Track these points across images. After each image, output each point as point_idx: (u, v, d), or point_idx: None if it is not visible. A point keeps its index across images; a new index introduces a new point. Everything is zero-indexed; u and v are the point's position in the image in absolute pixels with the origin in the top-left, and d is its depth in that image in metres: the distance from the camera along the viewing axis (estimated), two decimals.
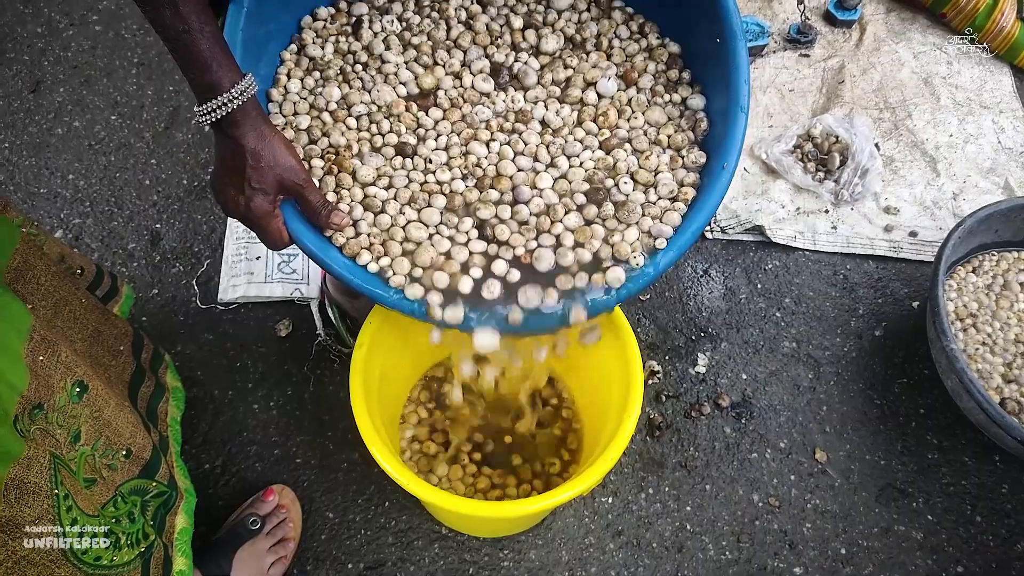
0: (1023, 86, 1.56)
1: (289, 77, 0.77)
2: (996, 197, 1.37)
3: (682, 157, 0.74)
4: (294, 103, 0.76)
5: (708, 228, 1.31)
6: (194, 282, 1.21)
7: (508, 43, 0.80)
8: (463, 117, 0.77)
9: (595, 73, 0.78)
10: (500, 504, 0.76)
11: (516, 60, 0.79)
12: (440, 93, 0.78)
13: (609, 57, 0.80)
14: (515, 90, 0.78)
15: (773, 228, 1.30)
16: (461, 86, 0.78)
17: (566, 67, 0.79)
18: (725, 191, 0.70)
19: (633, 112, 0.77)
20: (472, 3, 0.83)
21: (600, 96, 0.78)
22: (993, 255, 1.24)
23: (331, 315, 1.15)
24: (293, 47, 0.79)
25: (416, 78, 0.78)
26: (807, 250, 1.31)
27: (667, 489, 1.07)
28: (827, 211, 1.34)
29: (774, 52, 1.56)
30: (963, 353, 1.12)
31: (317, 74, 0.78)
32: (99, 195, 1.30)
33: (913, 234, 1.32)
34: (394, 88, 0.77)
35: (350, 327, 1.14)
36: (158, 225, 1.27)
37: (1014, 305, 1.18)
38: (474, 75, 0.79)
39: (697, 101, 0.77)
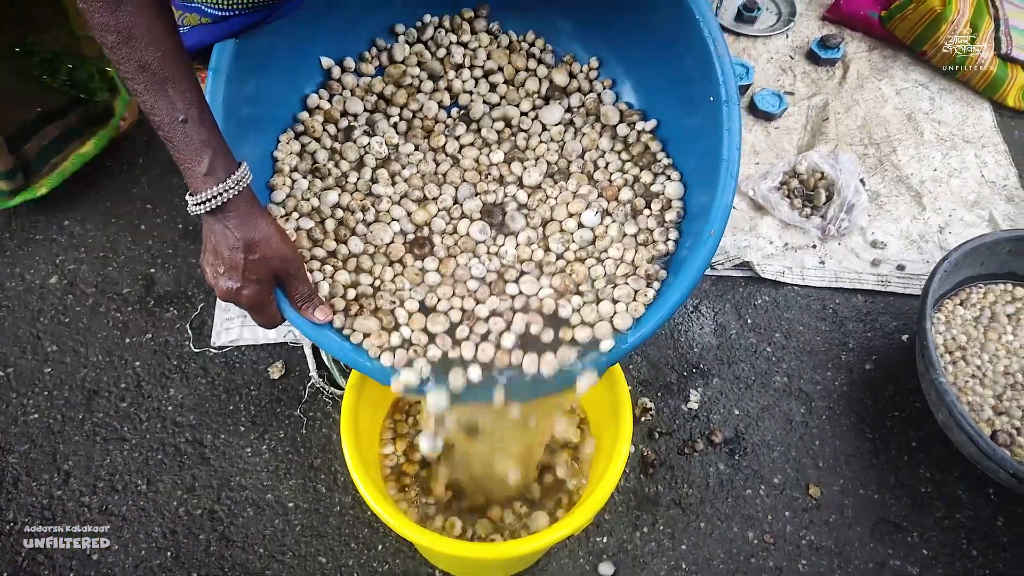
0: (1003, 121, 1.59)
1: (291, 170, 0.80)
2: (982, 230, 1.39)
3: (648, 277, 0.75)
4: (296, 200, 0.77)
5: None
6: (188, 326, 1.22)
7: (496, 176, 0.82)
8: (454, 272, 0.77)
9: (578, 205, 0.79)
10: (492, 545, 0.76)
11: (504, 204, 0.81)
12: (436, 240, 0.79)
13: (592, 178, 0.82)
14: (504, 236, 0.79)
15: (762, 264, 1.32)
16: (455, 231, 0.80)
17: (547, 198, 0.81)
18: (710, 257, 0.70)
19: (606, 249, 0.79)
20: (457, 123, 0.86)
21: (582, 226, 0.79)
22: (980, 287, 1.25)
23: (324, 357, 1.16)
24: (292, 136, 0.82)
25: (409, 215, 0.80)
26: (796, 285, 1.32)
27: (662, 527, 1.07)
28: (815, 246, 1.35)
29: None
30: (953, 386, 1.12)
31: (317, 180, 0.80)
32: (94, 240, 1.31)
33: (900, 268, 1.33)
34: (388, 224, 0.79)
35: (343, 369, 1.15)
36: (152, 270, 1.28)
37: (1002, 337, 1.19)
38: (467, 216, 0.80)
39: (673, 189, 0.79)
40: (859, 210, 1.34)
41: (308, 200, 0.78)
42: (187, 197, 0.65)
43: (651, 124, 0.83)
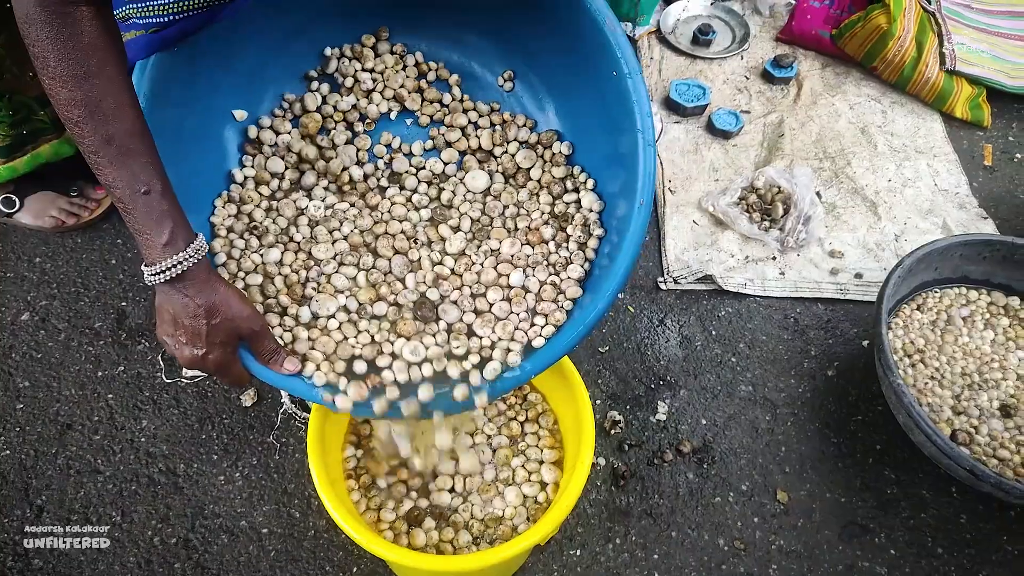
0: (953, 131, 1.65)
1: (229, 231, 0.82)
2: (936, 236, 1.43)
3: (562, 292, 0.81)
4: (236, 261, 0.80)
5: (662, 279, 1.36)
6: (160, 357, 1.23)
7: (424, 240, 0.86)
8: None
9: (505, 267, 0.83)
10: (460, 557, 0.77)
11: (440, 301, 0.82)
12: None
13: (512, 230, 0.86)
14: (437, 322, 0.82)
15: (724, 276, 1.35)
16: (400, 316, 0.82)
17: (472, 264, 0.84)
18: (643, 230, 0.75)
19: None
20: (381, 178, 0.90)
21: (511, 286, 0.82)
22: (936, 292, 1.29)
23: None
24: (226, 200, 0.84)
25: (352, 291, 0.82)
26: (758, 296, 1.35)
27: (634, 538, 1.08)
28: (774, 258, 1.39)
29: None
30: (912, 388, 1.15)
31: (255, 238, 0.83)
32: (66, 276, 1.32)
33: (859, 276, 1.37)
34: (333, 295, 0.81)
35: None
36: (124, 303, 1.29)
37: (959, 339, 1.22)
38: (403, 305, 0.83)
39: (588, 200, 0.84)
40: (816, 222, 1.38)
41: (249, 256, 0.80)
42: (143, 268, 0.66)
43: (566, 146, 0.88)
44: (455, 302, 0.81)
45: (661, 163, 1.53)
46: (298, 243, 0.83)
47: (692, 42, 1.78)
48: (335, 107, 0.89)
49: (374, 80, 0.90)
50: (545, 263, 0.83)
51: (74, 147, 1.31)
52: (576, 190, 0.87)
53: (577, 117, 0.88)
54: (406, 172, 0.91)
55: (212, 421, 1.16)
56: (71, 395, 1.18)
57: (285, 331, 0.76)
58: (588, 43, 0.76)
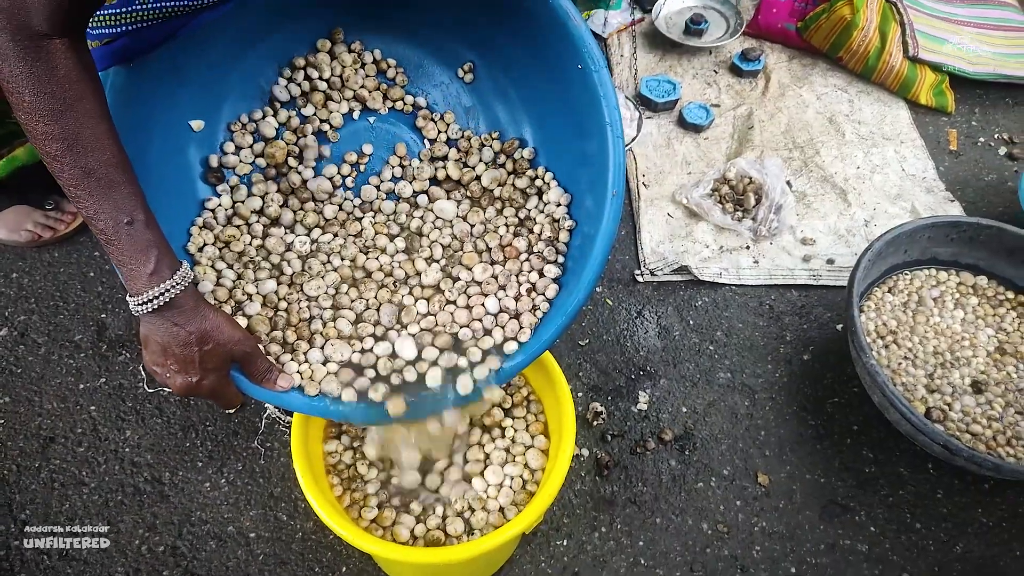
0: (918, 117, 1.68)
1: (214, 265, 0.82)
2: (906, 220, 1.46)
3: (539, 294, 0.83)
4: (227, 290, 0.80)
5: (639, 272, 1.37)
6: (141, 368, 1.23)
7: (401, 277, 0.86)
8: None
9: (477, 298, 0.84)
10: (444, 549, 0.78)
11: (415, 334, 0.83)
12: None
13: (484, 252, 0.87)
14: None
15: (699, 267, 1.37)
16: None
17: (444, 305, 0.84)
18: (617, 218, 0.76)
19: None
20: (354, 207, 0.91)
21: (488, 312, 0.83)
22: (906, 274, 1.31)
23: None
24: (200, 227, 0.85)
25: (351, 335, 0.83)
26: (733, 285, 1.37)
27: (619, 526, 1.10)
28: (748, 247, 1.41)
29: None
30: (886, 368, 1.18)
31: (249, 270, 0.84)
32: (44, 290, 1.32)
33: (831, 261, 1.40)
34: (335, 341, 0.82)
35: None
36: (103, 315, 1.29)
37: (930, 319, 1.25)
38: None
39: (555, 194, 0.86)
40: (787, 210, 1.41)
41: (242, 287, 0.81)
42: (128, 299, 0.65)
43: (528, 151, 0.90)
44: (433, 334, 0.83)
45: (635, 158, 1.55)
46: (290, 276, 0.84)
47: (684, 32, 1.79)
48: (295, 130, 0.90)
49: (331, 86, 0.91)
50: (519, 275, 0.84)
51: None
52: (539, 193, 0.88)
53: (543, 113, 0.89)
54: (376, 199, 0.92)
55: (196, 429, 1.16)
56: (53, 408, 1.18)
57: (299, 365, 0.78)
58: (551, 38, 0.77)
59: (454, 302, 0.84)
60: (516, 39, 0.84)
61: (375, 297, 0.84)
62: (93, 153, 0.60)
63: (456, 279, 0.85)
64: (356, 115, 0.93)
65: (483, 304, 0.82)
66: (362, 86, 0.92)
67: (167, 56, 0.76)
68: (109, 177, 0.61)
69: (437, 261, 0.88)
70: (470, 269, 0.86)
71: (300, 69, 0.90)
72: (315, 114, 0.91)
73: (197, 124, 0.84)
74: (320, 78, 0.90)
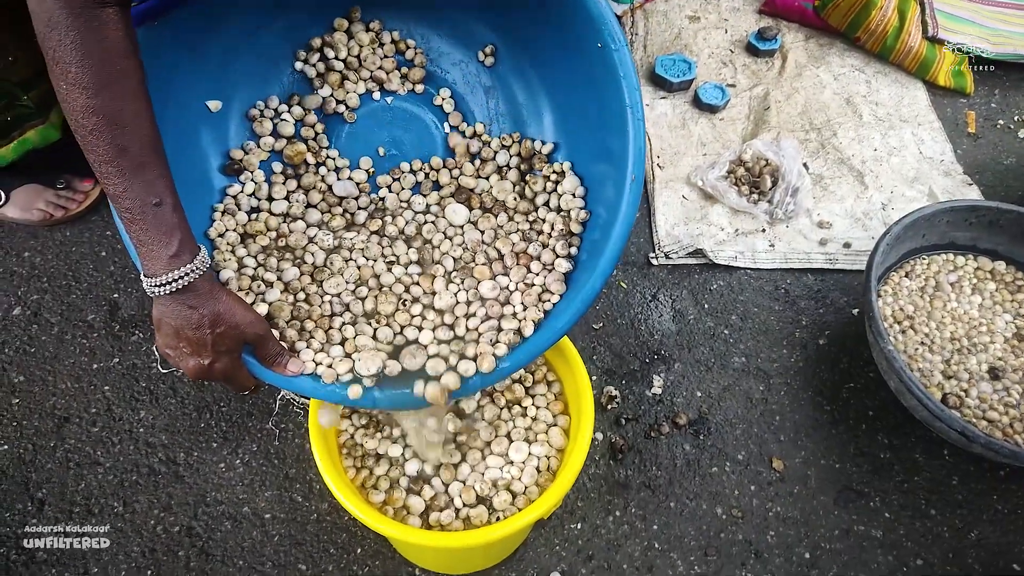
0: (936, 99, 1.66)
1: (234, 247, 0.82)
2: (923, 204, 1.44)
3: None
4: (248, 279, 0.80)
5: (653, 255, 1.36)
6: (154, 348, 1.22)
7: (413, 298, 0.84)
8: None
9: (494, 309, 0.82)
10: (462, 534, 0.78)
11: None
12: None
13: (496, 261, 0.86)
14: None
15: (714, 250, 1.36)
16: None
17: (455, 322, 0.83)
18: (635, 205, 0.75)
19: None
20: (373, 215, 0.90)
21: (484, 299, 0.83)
22: (924, 259, 1.30)
23: None
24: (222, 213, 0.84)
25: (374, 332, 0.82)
26: (748, 268, 1.36)
27: (633, 510, 1.10)
28: (764, 230, 1.40)
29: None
30: (903, 354, 1.17)
31: (272, 258, 0.83)
32: (56, 270, 1.32)
33: (847, 245, 1.39)
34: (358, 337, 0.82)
35: None
36: (116, 295, 1.29)
37: (947, 305, 1.24)
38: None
39: (571, 184, 0.85)
40: (804, 193, 1.39)
41: (264, 274, 0.80)
42: (143, 278, 0.64)
43: (548, 147, 0.89)
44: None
45: (649, 139, 1.54)
46: (311, 265, 0.84)
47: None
48: (313, 126, 0.89)
49: (347, 67, 0.89)
50: (526, 279, 0.83)
51: (61, 131, 1.28)
52: (555, 187, 0.87)
53: (563, 94, 0.87)
54: (398, 207, 0.91)
55: (210, 409, 1.16)
56: (67, 388, 1.18)
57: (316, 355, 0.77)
58: (572, 15, 0.75)
59: (467, 326, 0.83)
60: (537, 17, 0.82)
61: (393, 317, 0.83)
62: (131, 131, 0.59)
63: (469, 303, 0.83)
64: (376, 96, 0.92)
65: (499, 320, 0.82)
66: (379, 67, 0.90)
67: (184, 29, 0.75)
68: (143, 157, 0.61)
69: (450, 276, 0.86)
70: (480, 282, 0.85)
71: (316, 50, 0.88)
72: (332, 95, 0.89)
73: (214, 104, 0.83)
74: (336, 58, 0.89)
